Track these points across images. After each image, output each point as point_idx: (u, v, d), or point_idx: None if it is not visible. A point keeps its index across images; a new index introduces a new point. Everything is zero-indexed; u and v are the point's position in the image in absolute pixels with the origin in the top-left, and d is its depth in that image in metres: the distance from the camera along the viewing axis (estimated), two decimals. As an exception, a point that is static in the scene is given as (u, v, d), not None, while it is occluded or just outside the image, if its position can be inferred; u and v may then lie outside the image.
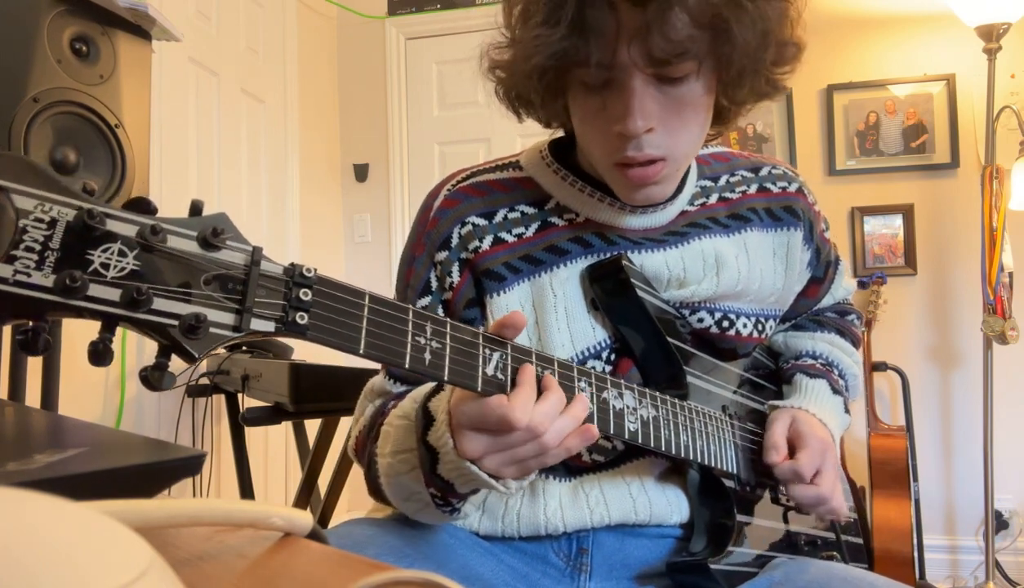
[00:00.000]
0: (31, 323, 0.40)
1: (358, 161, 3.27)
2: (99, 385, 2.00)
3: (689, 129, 0.74)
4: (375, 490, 0.77)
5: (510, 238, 0.82)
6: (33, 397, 1.43)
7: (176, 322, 0.43)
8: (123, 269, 0.42)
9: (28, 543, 0.20)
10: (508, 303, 0.80)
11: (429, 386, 0.71)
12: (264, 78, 2.79)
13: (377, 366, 0.85)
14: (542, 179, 0.85)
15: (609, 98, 0.72)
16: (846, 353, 0.98)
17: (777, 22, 0.71)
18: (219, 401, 2.32)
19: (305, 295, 0.49)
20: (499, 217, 0.82)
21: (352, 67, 3.30)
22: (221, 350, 2.10)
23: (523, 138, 3.04)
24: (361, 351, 0.52)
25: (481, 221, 0.82)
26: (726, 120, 0.82)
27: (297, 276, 0.49)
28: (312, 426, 1.86)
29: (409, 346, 0.54)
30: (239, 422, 2.00)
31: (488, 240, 0.81)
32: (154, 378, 0.44)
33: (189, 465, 0.45)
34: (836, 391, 0.92)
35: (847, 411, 0.94)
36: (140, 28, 1.36)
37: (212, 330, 0.45)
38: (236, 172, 2.62)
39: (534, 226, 0.82)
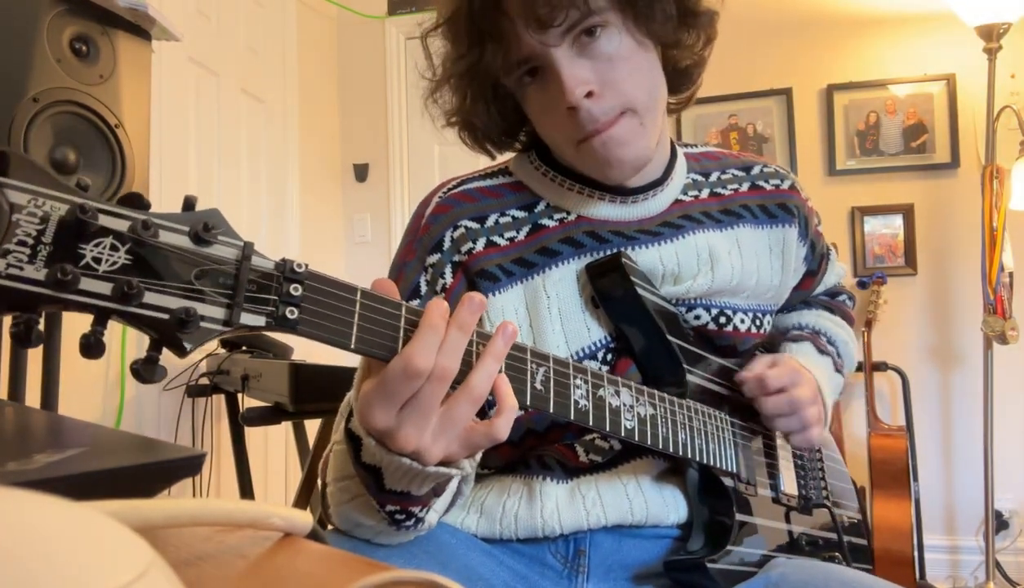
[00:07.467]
0: (23, 316, 0.41)
1: (358, 161, 3.27)
2: (99, 385, 2.00)
3: (634, 78, 0.75)
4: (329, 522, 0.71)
5: (502, 242, 0.82)
6: (33, 397, 1.42)
7: (167, 316, 0.44)
8: (115, 263, 0.42)
9: (28, 543, 0.20)
10: (503, 305, 0.80)
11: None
12: (264, 78, 2.78)
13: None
14: (531, 182, 0.86)
15: (545, 86, 0.75)
16: (835, 324, 1.00)
17: None
18: (219, 401, 2.32)
19: (295, 290, 0.49)
20: (491, 222, 0.83)
21: (352, 67, 3.30)
22: (221, 350, 2.10)
23: (523, 138, 3.03)
24: (352, 346, 0.51)
25: (474, 225, 0.82)
26: (685, 76, 0.84)
27: (288, 271, 0.49)
28: (312, 426, 1.86)
29: (401, 343, 0.53)
30: (239, 422, 2.01)
31: (481, 242, 0.81)
32: (145, 371, 0.45)
33: (189, 465, 0.45)
34: (822, 351, 0.94)
35: (838, 371, 0.95)
36: (140, 28, 1.36)
37: (203, 324, 0.45)
38: (236, 172, 2.62)
39: (525, 229, 0.83)
